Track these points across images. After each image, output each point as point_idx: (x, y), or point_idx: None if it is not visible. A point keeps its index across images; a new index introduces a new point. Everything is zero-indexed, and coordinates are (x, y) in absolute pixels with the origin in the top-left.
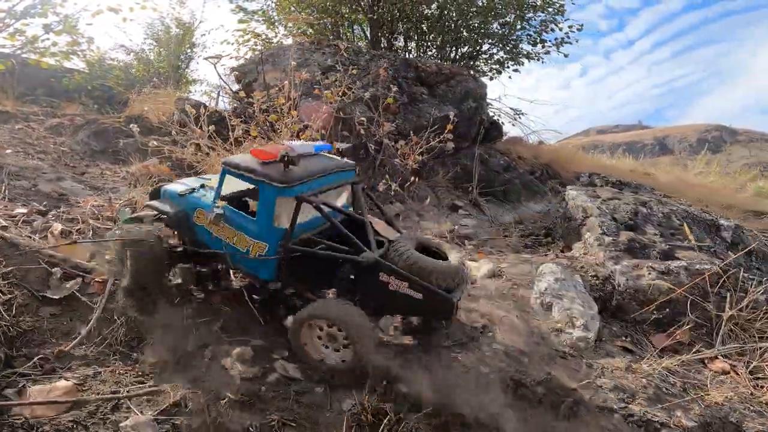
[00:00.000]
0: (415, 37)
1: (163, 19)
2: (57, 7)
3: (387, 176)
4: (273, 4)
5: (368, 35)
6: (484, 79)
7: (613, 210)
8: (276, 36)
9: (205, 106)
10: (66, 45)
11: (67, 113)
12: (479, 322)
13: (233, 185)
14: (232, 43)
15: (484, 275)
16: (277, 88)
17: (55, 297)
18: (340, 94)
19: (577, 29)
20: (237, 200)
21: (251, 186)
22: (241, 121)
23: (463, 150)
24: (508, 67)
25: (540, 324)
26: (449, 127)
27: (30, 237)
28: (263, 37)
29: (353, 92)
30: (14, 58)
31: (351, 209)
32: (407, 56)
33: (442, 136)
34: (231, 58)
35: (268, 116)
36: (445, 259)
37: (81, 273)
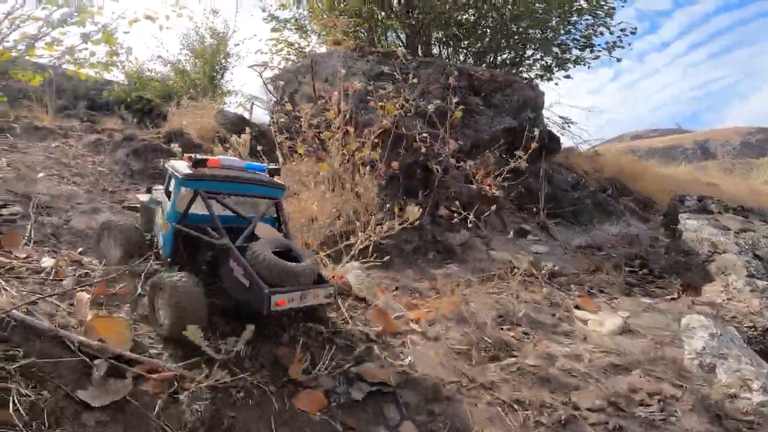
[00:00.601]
0: (451, 44)
1: (198, 29)
2: (94, 15)
3: (456, 202)
4: (305, 12)
5: (404, 42)
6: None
7: (753, 245)
8: (309, 44)
9: (245, 120)
10: (105, 55)
11: (106, 127)
12: (651, 404)
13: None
14: (266, 53)
15: (611, 332)
16: (324, 100)
17: (96, 405)
18: (398, 106)
19: (631, 32)
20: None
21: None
22: (286, 138)
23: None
24: (553, 73)
25: (707, 390)
26: (533, 145)
27: (57, 307)
28: (296, 45)
29: (412, 104)
30: (53, 70)
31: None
32: (456, 63)
33: (517, 156)
34: (271, 68)
35: (319, 132)
36: (298, 261)
37: (127, 365)
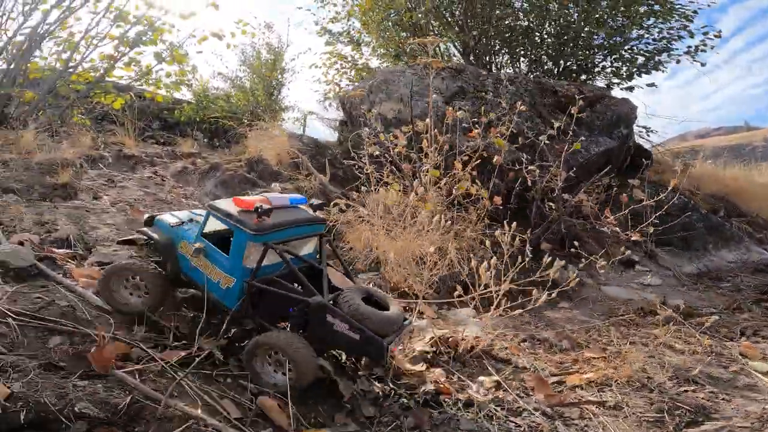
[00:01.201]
0: (508, 51)
1: (254, 44)
2: (165, 33)
3: (574, 242)
4: (357, 25)
5: (460, 52)
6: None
7: None
8: (361, 57)
9: (318, 143)
10: (176, 74)
11: (184, 151)
12: None
13: (214, 225)
14: (320, 66)
15: None
16: (410, 127)
17: None
18: (498, 134)
19: (715, 36)
20: (216, 237)
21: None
22: (375, 168)
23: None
24: (632, 79)
25: None
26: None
27: None
28: (349, 58)
29: (512, 129)
30: (130, 91)
31: (317, 257)
32: (528, 76)
33: (632, 184)
34: (327, 82)
35: (417, 166)
36: (387, 308)
37: None
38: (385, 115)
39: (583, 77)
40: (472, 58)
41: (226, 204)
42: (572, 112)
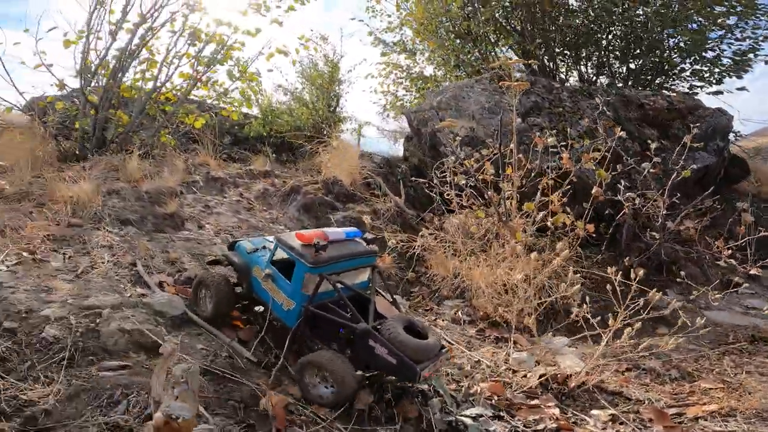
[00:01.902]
0: (570, 55)
1: (311, 56)
2: (236, 51)
3: (672, 267)
4: (410, 33)
5: (518, 57)
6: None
7: None
8: (416, 65)
9: (389, 161)
10: (250, 90)
11: (259, 169)
12: None
13: (281, 253)
14: (375, 77)
15: None
16: (491, 150)
17: None
18: (592, 159)
19: None
20: (283, 264)
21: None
22: (456, 192)
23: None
24: (721, 83)
25: None
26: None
27: None
28: (404, 67)
29: (609, 151)
30: (204, 108)
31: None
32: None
33: (741, 207)
34: (384, 93)
35: (501, 195)
36: (425, 338)
37: None
38: (456, 133)
39: (659, 80)
40: (533, 63)
41: (291, 238)
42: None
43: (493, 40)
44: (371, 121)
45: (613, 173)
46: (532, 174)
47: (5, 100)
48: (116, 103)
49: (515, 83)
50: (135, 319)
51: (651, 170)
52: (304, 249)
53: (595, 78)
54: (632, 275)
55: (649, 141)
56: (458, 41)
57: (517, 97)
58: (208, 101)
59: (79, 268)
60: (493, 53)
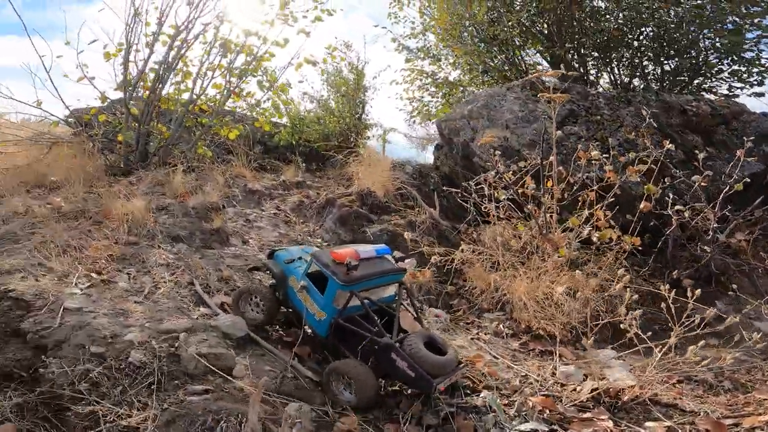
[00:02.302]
0: (599, 56)
1: (336, 64)
2: (266, 62)
3: (721, 278)
4: (433, 39)
5: (548, 62)
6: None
7: None
8: (441, 71)
9: (422, 171)
10: (282, 102)
11: (292, 180)
12: None
13: (315, 267)
14: (400, 83)
15: None
16: (529, 164)
17: None
18: (637, 171)
19: None
20: (317, 275)
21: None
22: (495, 204)
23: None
24: (758, 84)
25: None
26: None
27: None
28: (429, 73)
29: (655, 163)
30: (237, 118)
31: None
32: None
33: None
34: (410, 100)
35: (542, 209)
36: (444, 353)
37: None
38: (492, 145)
39: (697, 81)
40: (563, 68)
41: (325, 255)
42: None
43: (518, 44)
44: (397, 128)
45: (662, 186)
46: (574, 187)
47: (52, 114)
48: (156, 115)
49: (556, 96)
50: (208, 343)
51: (703, 184)
52: (337, 267)
53: (628, 81)
54: (689, 293)
55: (696, 151)
56: (483, 46)
57: (557, 108)
58: (239, 111)
59: (144, 288)
60: (520, 58)
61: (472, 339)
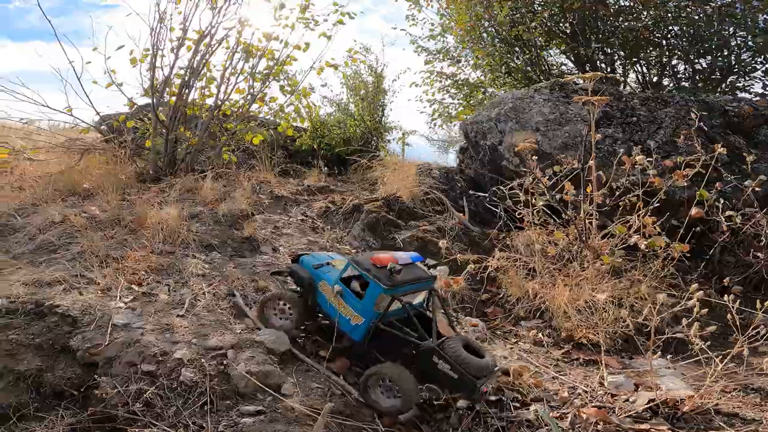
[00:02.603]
0: (627, 57)
1: (356, 66)
2: (288, 66)
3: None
4: (452, 41)
5: (572, 62)
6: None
7: None
8: (461, 72)
9: (449, 175)
10: (305, 107)
11: (315, 185)
12: None
13: (348, 272)
14: (420, 85)
15: None
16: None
17: None
18: (684, 176)
19: None
20: (347, 280)
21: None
22: (530, 209)
23: None
24: None
25: None
26: None
27: None
28: (449, 74)
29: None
30: (259, 123)
31: (424, 305)
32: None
33: None
34: (431, 102)
35: (582, 215)
36: (482, 357)
37: None
38: (527, 149)
39: (731, 80)
40: (588, 68)
41: (366, 260)
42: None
43: (540, 44)
44: (417, 130)
45: (715, 192)
46: (617, 192)
47: (83, 121)
48: (183, 121)
49: (596, 98)
50: (256, 360)
51: (756, 188)
52: (380, 271)
53: (657, 80)
54: (758, 305)
55: (739, 152)
56: (503, 47)
57: (596, 112)
58: (260, 116)
59: (184, 301)
60: (542, 58)
61: (511, 348)
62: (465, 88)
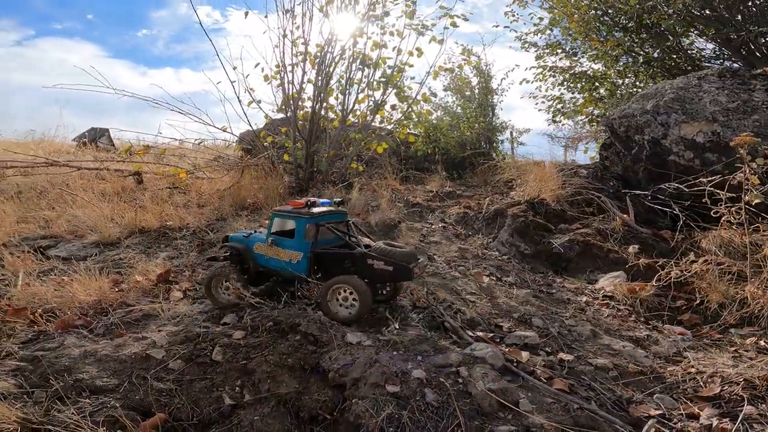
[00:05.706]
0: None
1: (461, 69)
2: (404, 72)
3: None
4: (559, 34)
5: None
6: None
7: None
8: (576, 65)
9: (597, 174)
10: (417, 111)
11: (442, 190)
12: None
13: (275, 227)
14: (531, 82)
15: None
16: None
17: None
18: None
19: None
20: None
21: (287, 225)
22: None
23: None
24: None
25: None
26: None
27: None
28: (564, 69)
29: None
30: (381, 132)
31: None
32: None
33: None
34: (548, 98)
35: None
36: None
37: None
38: (692, 138)
39: None
40: (744, 52)
41: (285, 207)
42: None
43: (679, 32)
44: (530, 128)
45: None
46: None
47: (234, 134)
48: (318, 134)
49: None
50: (490, 377)
51: None
52: (300, 209)
53: None
54: None
55: None
56: (629, 36)
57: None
58: (381, 125)
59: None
60: (681, 45)
61: (734, 357)
62: (583, 80)
